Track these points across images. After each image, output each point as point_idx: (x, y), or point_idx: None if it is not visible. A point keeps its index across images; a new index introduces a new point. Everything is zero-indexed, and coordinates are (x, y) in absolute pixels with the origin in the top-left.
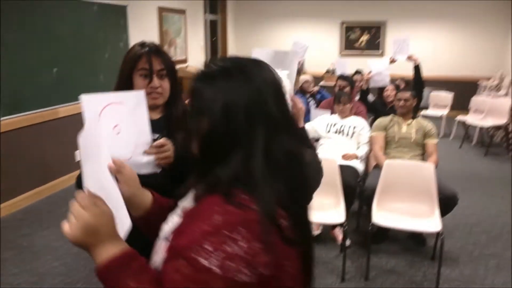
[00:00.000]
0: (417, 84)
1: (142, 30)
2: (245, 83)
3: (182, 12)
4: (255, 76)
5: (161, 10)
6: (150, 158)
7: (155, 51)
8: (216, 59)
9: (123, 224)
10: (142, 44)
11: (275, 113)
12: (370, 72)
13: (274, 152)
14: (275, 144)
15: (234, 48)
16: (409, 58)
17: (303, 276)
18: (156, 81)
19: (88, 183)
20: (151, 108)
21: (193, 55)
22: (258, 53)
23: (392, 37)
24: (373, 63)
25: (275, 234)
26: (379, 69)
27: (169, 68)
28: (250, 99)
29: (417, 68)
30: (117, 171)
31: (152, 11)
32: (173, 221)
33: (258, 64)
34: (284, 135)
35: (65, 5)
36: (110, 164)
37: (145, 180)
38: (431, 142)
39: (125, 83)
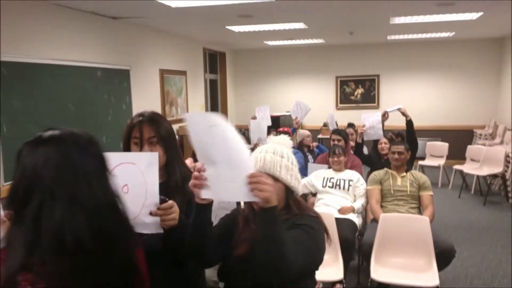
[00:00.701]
0: (410, 138)
1: (144, 91)
2: (35, 156)
3: (183, 73)
4: (48, 150)
5: (163, 72)
6: (155, 219)
7: (149, 120)
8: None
9: None
10: (141, 114)
11: (52, 186)
12: (364, 126)
13: (42, 221)
14: (45, 214)
15: (234, 104)
16: (401, 111)
17: None
18: (146, 148)
19: None
20: None
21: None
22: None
23: (386, 89)
24: (366, 117)
25: None
26: (372, 122)
27: (161, 135)
28: (32, 170)
29: (409, 123)
30: None
31: (154, 73)
32: None
33: (59, 140)
34: (60, 206)
35: (69, 70)
36: None
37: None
38: (426, 194)
39: (126, 150)
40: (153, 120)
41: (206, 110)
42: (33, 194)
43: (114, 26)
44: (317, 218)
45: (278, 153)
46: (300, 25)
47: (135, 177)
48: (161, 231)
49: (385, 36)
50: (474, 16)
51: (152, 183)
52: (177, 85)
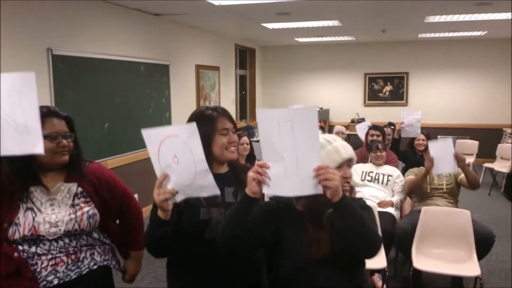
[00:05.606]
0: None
1: (182, 86)
2: None
3: (216, 68)
4: None
5: (198, 67)
6: (210, 180)
7: (227, 113)
8: None
9: None
10: (214, 109)
11: None
12: (402, 123)
13: None
14: None
15: (262, 100)
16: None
17: None
18: (233, 137)
19: None
20: (221, 164)
21: (225, 107)
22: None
23: (415, 87)
24: (405, 115)
25: None
26: (410, 121)
27: (235, 126)
28: None
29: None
30: None
31: (190, 69)
32: None
33: None
34: None
35: (116, 65)
36: None
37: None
38: (462, 175)
39: (208, 143)
40: (228, 112)
41: (236, 105)
42: None
43: (156, 22)
44: (367, 204)
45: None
46: (334, 23)
47: (181, 148)
48: (218, 192)
49: (417, 34)
50: (510, 15)
51: (198, 152)
52: (210, 80)
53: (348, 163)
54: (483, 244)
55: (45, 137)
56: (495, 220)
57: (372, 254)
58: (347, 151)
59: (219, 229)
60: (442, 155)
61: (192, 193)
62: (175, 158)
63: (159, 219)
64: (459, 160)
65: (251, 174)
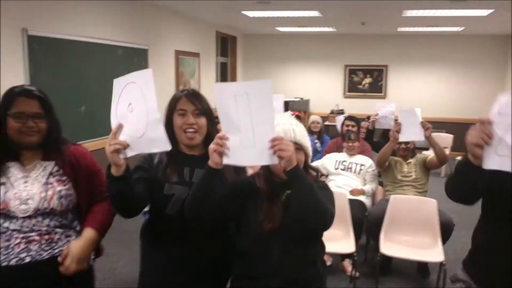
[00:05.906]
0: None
1: (161, 71)
2: None
3: (196, 55)
4: None
5: (178, 53)
6: (162, 135)
7: (192, 94)
8: None
9: None
10: (183, 90)
11: None
12: (377, 115)
13: None
14: None
15: None
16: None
17: None
18: (191, 119)
19: None
20: (190, 147)
21: (205, 94)
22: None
23: (394, 80)
24: (380, 107)
25: None
26: (385, 112)
27: (204, 108)
28: None
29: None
30: None
31: (170, 54)
32: None
33: None
34: None
35: (93, 48)
36: None
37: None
38: (430, 156)
39: (169, 122)
40: (196, 95)
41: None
42: None
43: (136, 6)
44: (327, 186)
45: (300, 125)
46: (314, 13)
47: (136, 95)
48: (169, 147)
49: (396, 28)
50: (484, 12)
51: (150, 99)
52: (190, 66)
53: (296, 146)
54: (443, 231)
55: (11, 116)
56: (465, 211)
57: (322, 226)
58: (289, 136)
59: (186, 202)
60: (410, 123)
61: (143, 147)
62: (130, 106)
63: (111, 175)
64: (425, 128)
65: (211, 146)
